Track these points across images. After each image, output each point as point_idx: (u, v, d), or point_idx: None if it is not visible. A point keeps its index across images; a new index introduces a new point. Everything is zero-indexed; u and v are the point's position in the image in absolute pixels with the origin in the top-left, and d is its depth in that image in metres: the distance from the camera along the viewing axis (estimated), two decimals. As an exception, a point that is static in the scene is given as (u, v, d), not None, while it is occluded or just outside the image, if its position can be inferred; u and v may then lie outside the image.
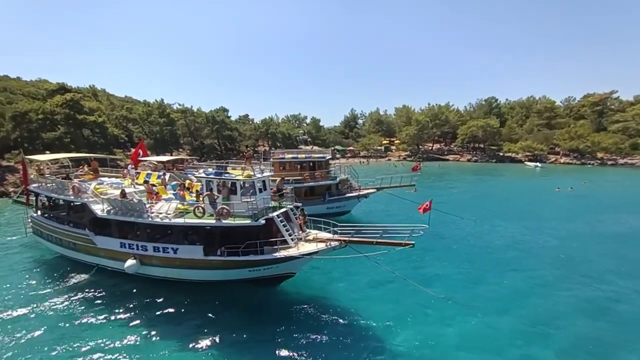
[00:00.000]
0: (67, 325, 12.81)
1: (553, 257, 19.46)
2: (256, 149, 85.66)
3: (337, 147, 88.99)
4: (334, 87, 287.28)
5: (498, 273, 17.30)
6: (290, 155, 26.29)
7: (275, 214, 14.24)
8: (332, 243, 13.56)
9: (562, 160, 77.81)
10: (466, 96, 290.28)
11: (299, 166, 25.44)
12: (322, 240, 13.78)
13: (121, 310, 13.77)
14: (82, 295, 14.88)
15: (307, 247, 13.67)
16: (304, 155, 26.07)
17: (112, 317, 13.32)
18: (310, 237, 14.54)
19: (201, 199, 14.90)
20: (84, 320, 13.09)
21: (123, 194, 15.95)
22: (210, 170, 15.57)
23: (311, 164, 25.49)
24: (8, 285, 15.83)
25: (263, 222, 13.47)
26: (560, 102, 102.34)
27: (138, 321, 13.06)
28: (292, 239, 14.01)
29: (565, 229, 24.63)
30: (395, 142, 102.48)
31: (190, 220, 13.98)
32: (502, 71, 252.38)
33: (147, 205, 15.11)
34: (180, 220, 14.10)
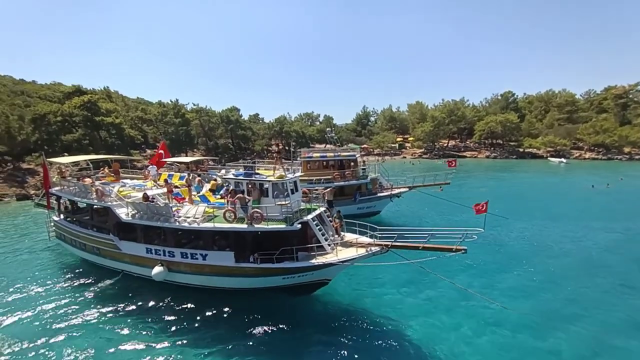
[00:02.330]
0: (95, 333, 12.24)
1: (622, 262, 17.82)
2: (270, 147, 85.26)
3: (350, 144, 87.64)
4: (344, 85, 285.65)
5: (557, 278, 16.00)
6: (318, 154, 25.25)
7: (310, 217, 13.25)
8: (372, 248, 12.47)
9: (587, 156, 74.64)
10: (480, 91, 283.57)
11: (324, 164, 24.35)
12: (362, 245, 12.72)
13: (150, 318, 13.14)
14: (108, 302, 14.25)
15: (346, 253, 12.63)
16: (332, 154, 25.01)
17: (142, 325, 12.67)
18: (347, 241, 13.52)
19: (230, 202, 14.02)
20: (113, 327, 12.50)
21: (145, 197, 15.26)
22: (238, 171, 14.69)
23: (340, 162, 24.41)
24: (33, 292, 15.34)
25: (299, 226, 12.50)
26: (580, 95, 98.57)
27: (167, 329, 12.39)
28: (328, 244, 13.04)
29: (620, 230, 22.93)
30: (409, 139, 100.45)
31: (220, 224, 13.10)
32: (515, 65, 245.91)
33: (174, 209, 14.35)
34: (209, 225, 13.24)
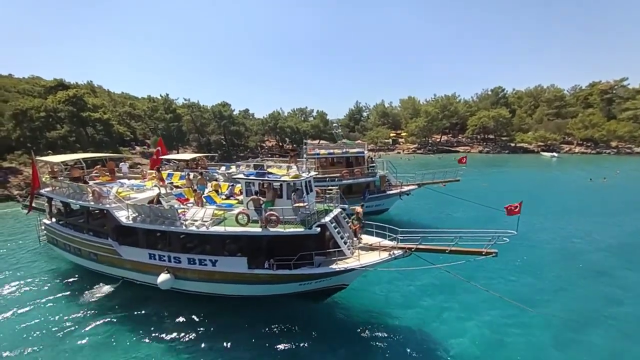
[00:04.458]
0: (95, 346, 11.36)
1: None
2: (263, 144, 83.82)
3: (345, 140, 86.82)
4: (336, 79, 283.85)
5: (584, 278, 15.88)
6: (325, 151, 24.34)
7: (327, 219, 12.48)
8: (395, 252, 11.82)
9: (576, 150, 76.05)
10: (470, 86, 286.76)
11: (332, 161, 23.54)
12: (384, 249, 12.06)
13: (156, 328, 12.28)
14: (109, 312, 13.29)
15: (367, 257, 11.97)
16: (340, 151, 24.19)
17: (147, 336, 11.83)
18: (367, 244, 12.85)
19: (244, 203, 13.14)
20: (115, 340, 11.62)
21: (157, 200, 14.23)
22: (249, 170, 13.77)
23: (348, 159, 23.61)
24: (23, 301, 14.18)
25: (318, 229, 11.73)
26: (567, 90, 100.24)
27: (176, 341, 11.59)
28: (347, 248, 12.34)
29: (631, 225, 22.93)
30: (402, 134, 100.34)
31: (232, 228, 12.20)
32: (505, 60, 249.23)
33: (180, 211, 13.37)
34: (220, 229, 12.33)
